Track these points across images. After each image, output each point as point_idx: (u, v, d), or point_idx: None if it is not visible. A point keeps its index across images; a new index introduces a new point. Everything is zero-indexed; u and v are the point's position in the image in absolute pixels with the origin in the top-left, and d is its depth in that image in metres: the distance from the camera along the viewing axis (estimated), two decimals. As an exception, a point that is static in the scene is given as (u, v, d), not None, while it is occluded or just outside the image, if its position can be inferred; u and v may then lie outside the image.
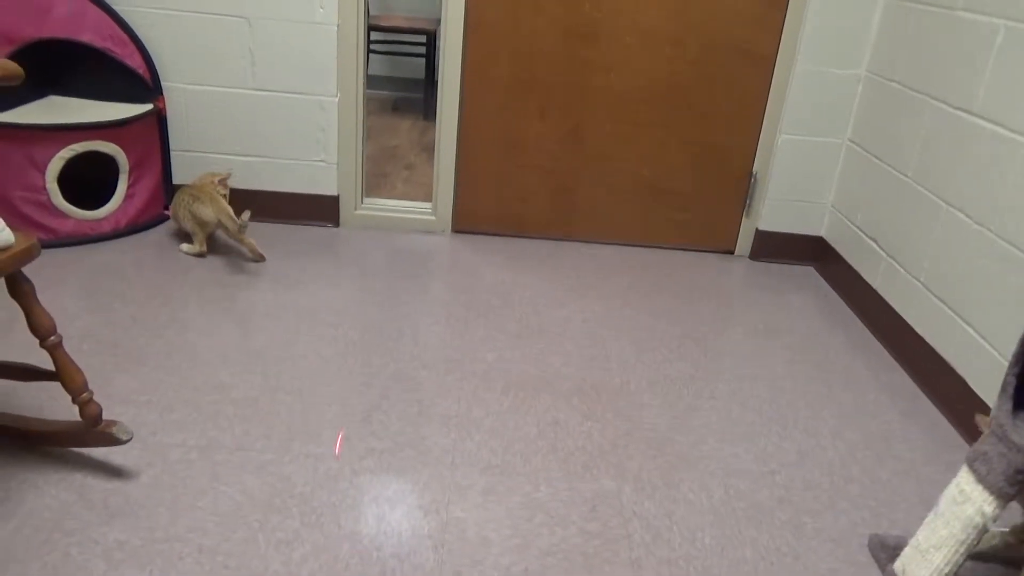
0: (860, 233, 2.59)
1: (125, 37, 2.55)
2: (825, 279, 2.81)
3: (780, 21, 2.65)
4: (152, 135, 2.66)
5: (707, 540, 1.54)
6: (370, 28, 4.50)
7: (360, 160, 2.83)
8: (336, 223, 2.85)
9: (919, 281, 2.22)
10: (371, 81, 4.98)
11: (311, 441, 1.71)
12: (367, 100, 2.76)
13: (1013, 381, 1.30)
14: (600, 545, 1.50)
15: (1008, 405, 1.30)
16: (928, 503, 1.68)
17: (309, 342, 2.10)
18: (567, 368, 2.10)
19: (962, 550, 1.31)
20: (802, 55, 2.64)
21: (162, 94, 2.65)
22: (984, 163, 1.97)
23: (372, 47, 4.79)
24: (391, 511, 1.53)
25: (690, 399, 2.01)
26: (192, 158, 2.76)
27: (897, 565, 1.41)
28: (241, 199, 2.78)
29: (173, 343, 2.04)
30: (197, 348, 2.02)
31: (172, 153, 2.76)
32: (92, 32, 2.52)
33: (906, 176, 2.32)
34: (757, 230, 2.89)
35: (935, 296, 2.13)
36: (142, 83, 2.60)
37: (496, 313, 2.36)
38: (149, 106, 2.61)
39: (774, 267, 2.90)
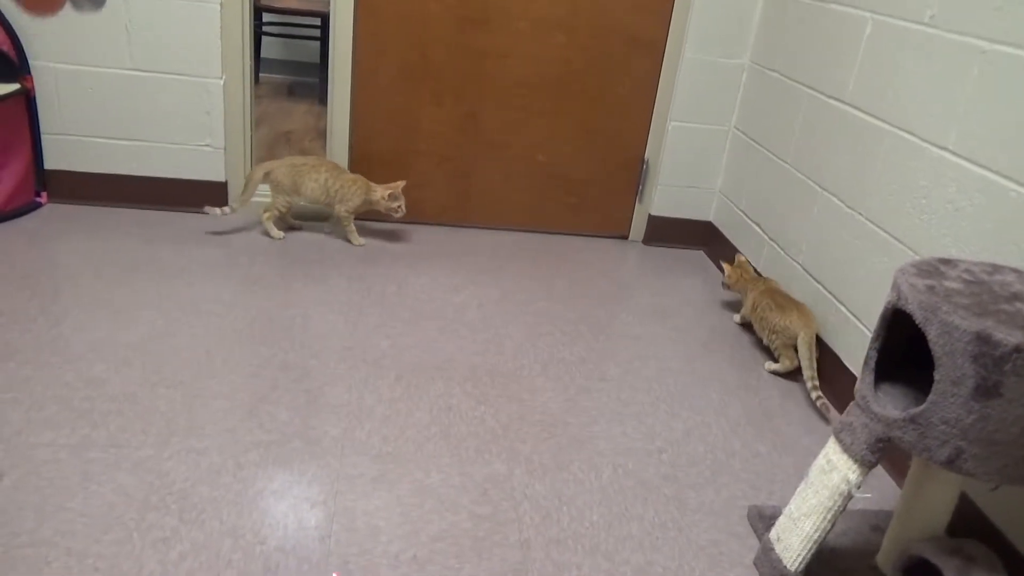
0: (745, 217, 2.68)
1: (-15, 11, 2.39)
2: (714, 262, 2.90)
3: (669, 9, 2.70)
4: (19, 117, 2.49)
5: (595, 518, 1.57)
6: (262, 9, 4.36)
7: (249, 145, 2.73)
8: (225, 210, 2.75)
9: (798, 263, 2.32)
10: (266, 64, 4.83)
11: (192, 435, 1.65)
12: (261, 83, 2.67)
13: (875, 355, 1.37)
14: (490, 528, 1.50)
15: (871, 378, 1.37)
16: (803, 474, 1.76)
17: (193, 334, 2.02)
18: (461, 354, 2.10)
19: (829, 516, 1.38)
20: (690, 44, 2.71)
21: (29, 73, 2.49)
22: (854, 149, 2.07)
23: (265, 29, 4.65)
24: (276, 504, 1.49)
25: (582, 381, 2.04)
26: (67, 142, 2.60)
27: (772, 534, 1.48)
28: (123, 185, 2.65)
29: (43, 337, 1.92)
30: (70, 342, 1.92)
31: (44, 137, 2.59)
32: (-53, 5, 2.34)
33: (785, 162, 2.42)
34: (650, 215, 2.96)
35: (812, 278, 2.23)
36: (6, 61, 2.43)
37: (391, 300, 2.33)
38: (16, 86, 2.45)
39: (666, 251, 2.97)
